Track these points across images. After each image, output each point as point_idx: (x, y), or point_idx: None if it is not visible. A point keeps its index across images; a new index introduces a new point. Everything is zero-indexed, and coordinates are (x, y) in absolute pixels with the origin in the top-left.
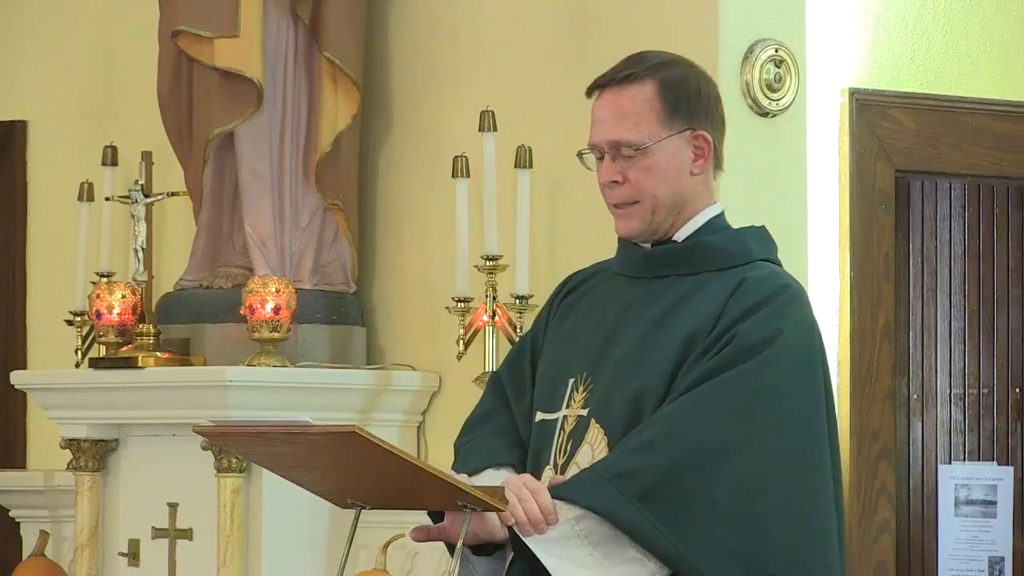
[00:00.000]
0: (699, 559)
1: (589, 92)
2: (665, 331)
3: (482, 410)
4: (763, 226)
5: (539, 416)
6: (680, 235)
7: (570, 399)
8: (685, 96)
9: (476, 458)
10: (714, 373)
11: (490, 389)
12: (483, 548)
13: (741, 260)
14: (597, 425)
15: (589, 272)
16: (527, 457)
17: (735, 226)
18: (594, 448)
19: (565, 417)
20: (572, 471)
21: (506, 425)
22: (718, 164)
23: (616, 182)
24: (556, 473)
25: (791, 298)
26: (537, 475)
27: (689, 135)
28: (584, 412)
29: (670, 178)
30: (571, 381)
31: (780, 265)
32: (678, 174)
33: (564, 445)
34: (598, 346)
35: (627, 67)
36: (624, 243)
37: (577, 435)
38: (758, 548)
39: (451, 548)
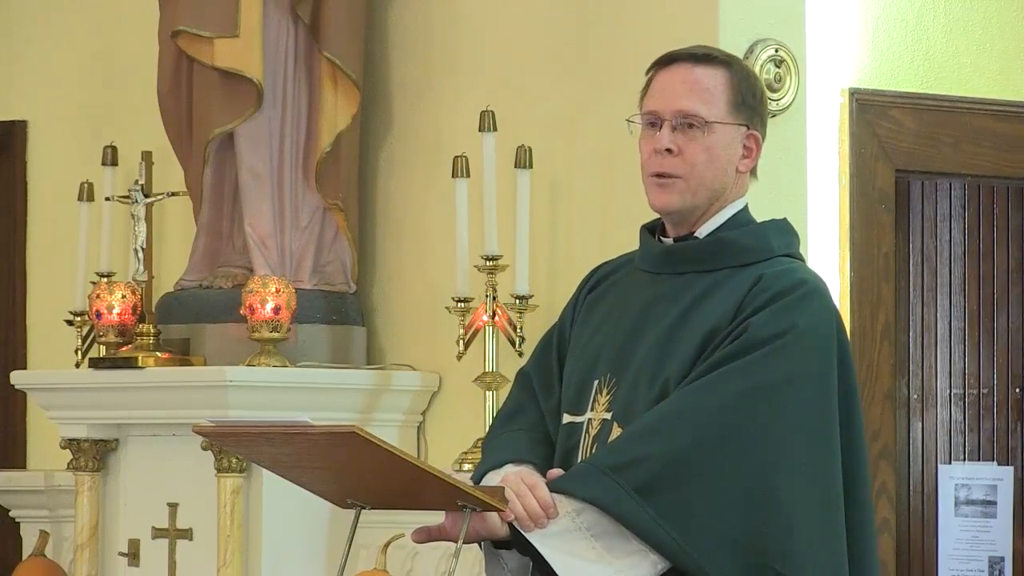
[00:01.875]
0: (697, 550)
1: (657, 65)
2: (685, 331)
3: (511, 407)
4: (784, 219)
5: (566, 419)
6: (702, 231)
7: (594, 402)
8: (751, 93)
9: (499, 454)
10: (719, 365)
11: (518, 385)
12: (511, 542)
13: (761, 256)
14: (620, 429)
15: (615, 264)
16: (553, 454)
17: (758, 219)
18: None
19: (590, 420)
20: None
21: (535, 422)
22: (754, 173)
23: (670, 151)
24: None
25: (808, 292)
26: None
27: (745, 132)
28: (608, 416)
29: (720, 164)
30: (595, 383)
31: (801, 258)
32: (727, 164)
33: (590, 449)
34: (620, 346)
35: (704, 50)
36: (646, 237)
37: (602, 439)
38: (757, 540)
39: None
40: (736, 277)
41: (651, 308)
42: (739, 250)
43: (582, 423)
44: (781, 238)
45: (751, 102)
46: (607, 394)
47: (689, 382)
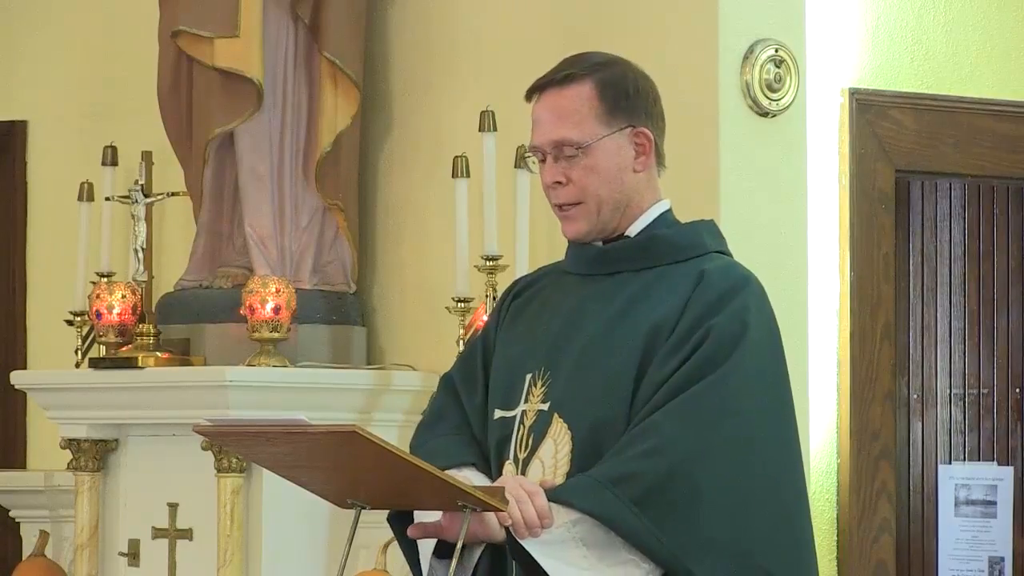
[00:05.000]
0: (692, 560)
1: (528, 95)
2: (627, 324)
3: (434, 411)
4: (712, 220)
5: (497, 414)
6: (632, 230)
7: (528, 394)
8: (624, 94)
9: (436, 460)
10: (698, 374)
11: (441, 390)
12: (446, 551)
13: (696, 252)
14: (560, 419)
15: (535, 275)
16: (483, 453)
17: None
18: (557, 442)
19: (524, 412)
20: (535, 465)
21: (460, 424)
22: (660, 161)
23: (559, 183)
24: (517, 468)
25: (752, 290)
26: (497, 471)
27: (630, 132)
28: (545, 406)
29: (613, 177)
30: (528, 377)
31: (732, 257)
32: (621, 172)
33: (525, 439)
34: (553, 341)
35: (565, 68)
36: (575, 243)
37: (539, 429)
38: (750, 544)
39: (409, 555)
40: (675, 272)
41: (586, 305)
42: (674, 247)
43: (515, 415)
44: (712, 237)
45: (626, 102)
46: (542, 386)
47: (669, 390)
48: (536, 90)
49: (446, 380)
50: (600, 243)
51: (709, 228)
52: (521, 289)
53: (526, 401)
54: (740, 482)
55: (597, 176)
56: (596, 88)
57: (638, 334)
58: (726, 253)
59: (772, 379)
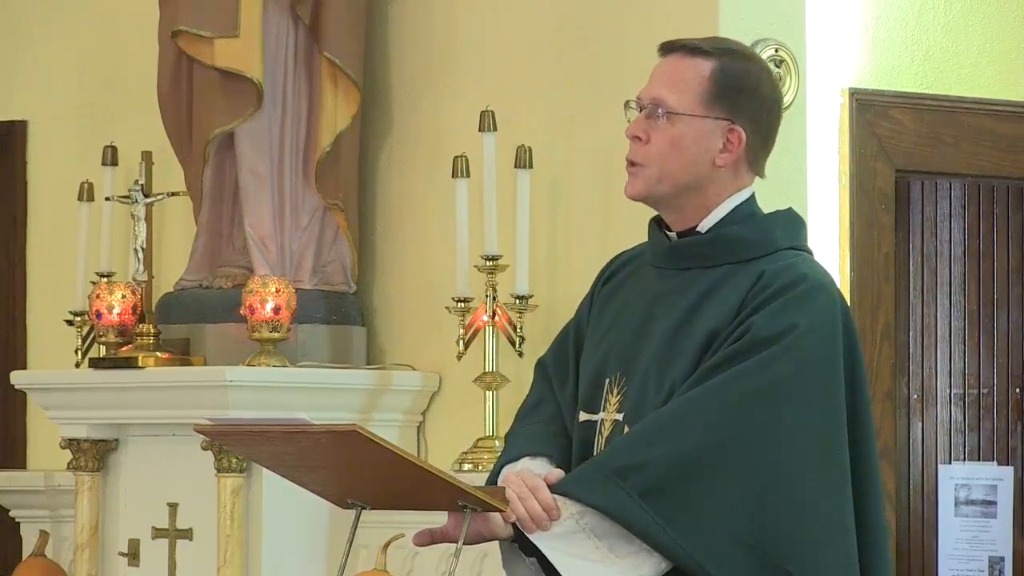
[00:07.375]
0: (703, 555)
1: (661, 50)
2: (690, 330)
3: (532, 400)
4: (790, 208)
5: (582, 416)
6: (704, 225)
7: (605, 402)
8: (737, 88)
9: (516, 447)
10: (722, 367)
11: (538, 377)
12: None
13: (764, 250)
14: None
15: (631, 254)
16: (570, 444)
17: (765, 209)
18: None
19: (602, 420)
20: None
21: (554, 414)
22: (755, 170)
23: (638, 138)
24: None
25: (809, 289)
26: None
27: (725, 125)
28: (620, 416)
29: (688, 157)
30: (607, 382)
31: (807, 250)
32: (698, 156)
33: (602, 449)
34: (629, 344)
35: (700, 42)
36: (653, 231)
37: (613, 440)
38: (764, 542)
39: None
40: (739, 274)
41: (656, 305)
42: (741, 245)
43: (596, 423)
44: (785, 229)
45: (735, 96)
46: (617, 394)
47: (692, 384)
48: (666, 48)
49: (541, 367)
50: (674, 236)
51: (784, 219)
52: (614, 272)
53: (604, 409)
54: (755, 478)
55: (672, 147)
56: (714, 70)
57: (696, 344)
58: (800, 247)
59: (814, 381)
